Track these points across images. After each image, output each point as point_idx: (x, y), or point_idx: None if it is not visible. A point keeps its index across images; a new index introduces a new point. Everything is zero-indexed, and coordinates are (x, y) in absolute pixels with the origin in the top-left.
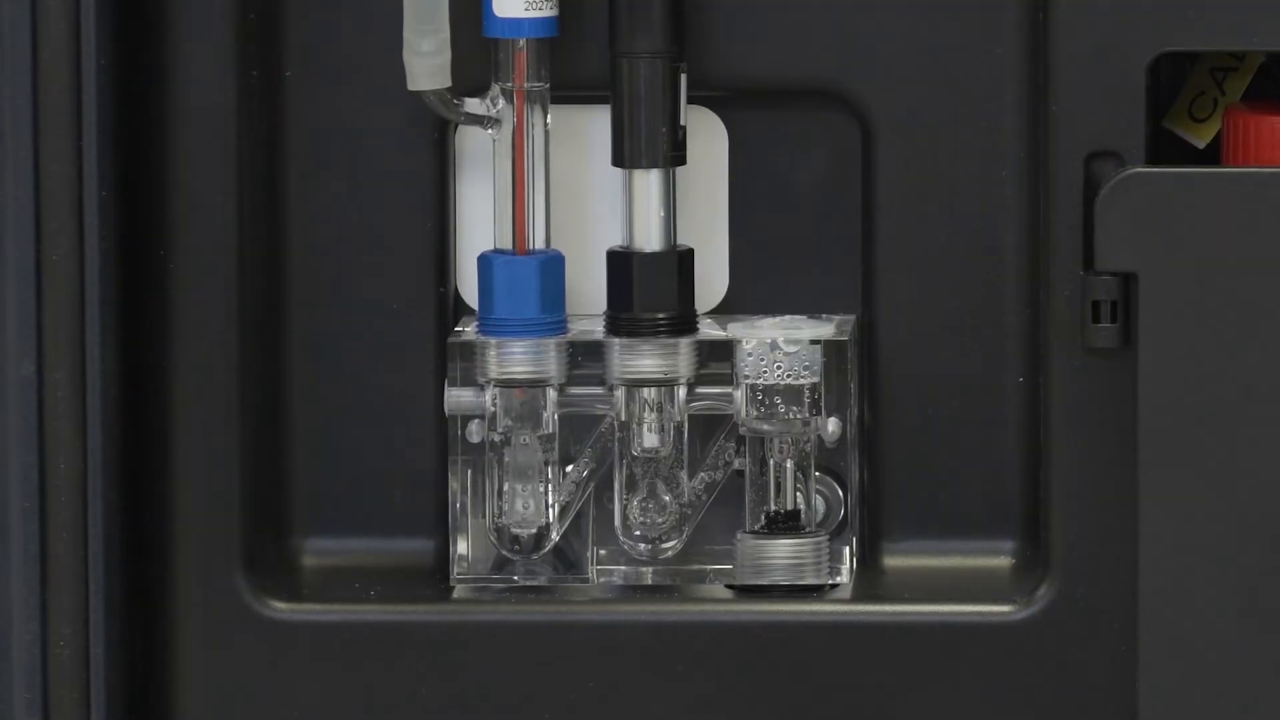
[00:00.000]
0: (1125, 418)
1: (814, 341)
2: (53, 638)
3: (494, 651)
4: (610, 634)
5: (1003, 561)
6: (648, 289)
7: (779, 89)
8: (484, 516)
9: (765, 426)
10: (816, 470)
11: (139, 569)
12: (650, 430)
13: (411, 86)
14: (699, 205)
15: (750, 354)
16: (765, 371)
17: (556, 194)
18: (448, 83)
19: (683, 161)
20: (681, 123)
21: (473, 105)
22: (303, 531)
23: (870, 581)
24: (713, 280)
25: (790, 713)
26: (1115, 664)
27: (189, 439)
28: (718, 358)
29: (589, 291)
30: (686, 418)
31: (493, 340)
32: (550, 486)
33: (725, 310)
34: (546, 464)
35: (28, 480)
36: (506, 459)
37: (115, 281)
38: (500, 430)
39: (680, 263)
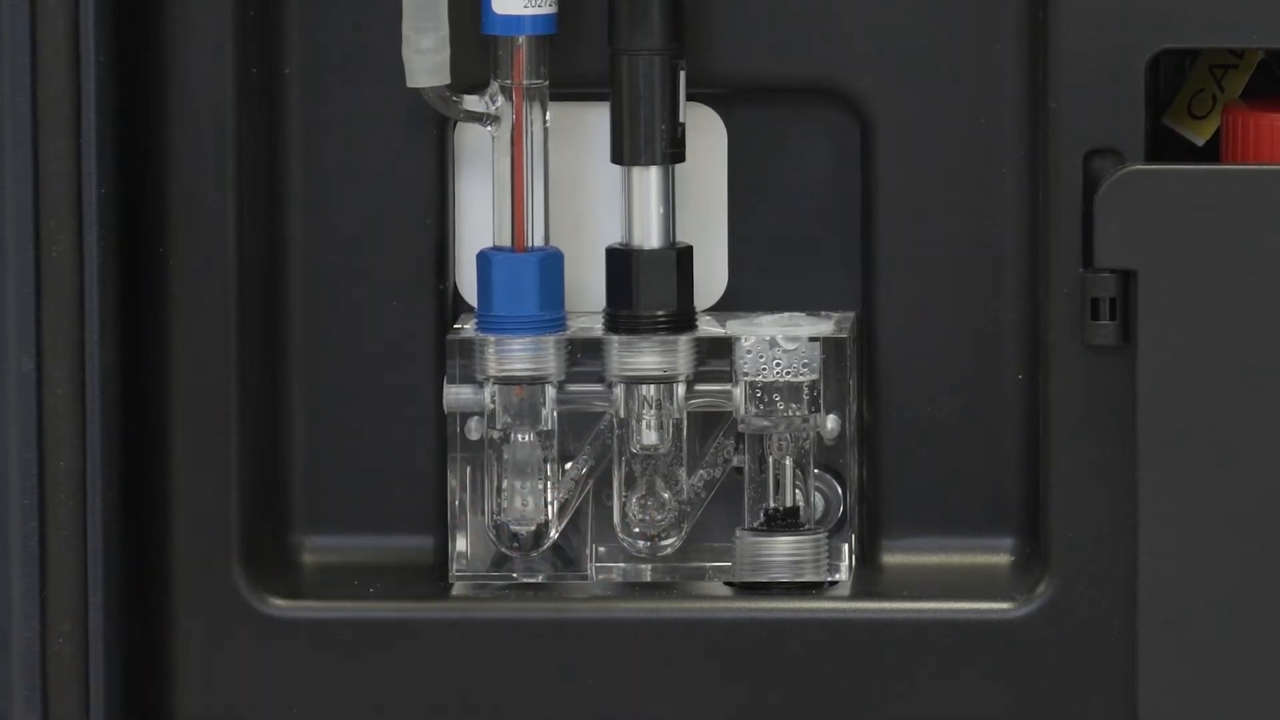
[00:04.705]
0: (1124, 415)
1: (813, 339)
2: (52, 634)
3: (493, 648)
4: (609, 631)
5: (1002, 559)
6: (647, 286)
7: (778, 86)
8: (483, 514)
9: (764, 423)
10: (815, 467)
11: (138, 565)
12: (649, 427)
13: (411, 83)
14: (698, 202)
15: (749, 351)
16: (764, 369)
17: (555, 191)
18: (447, 80)
19: (682, 159)
20: (680, 120)
21: (472, 102)
22: (302, 528)
23: (869, 579)
24: (712, 277)
25: (789, 710)
26: (1115, 661)
27: (188, 436)
28: (717, 355)
29: (588, 288)
30: (685, 415)
31: (492, 337)
32: (549, 484)
33: (724, 307)
34: (545, 461)
35: (27, 477)
36: (505, 456)
37: (115, 278)
38: (499, 427)
39: (679, 260)
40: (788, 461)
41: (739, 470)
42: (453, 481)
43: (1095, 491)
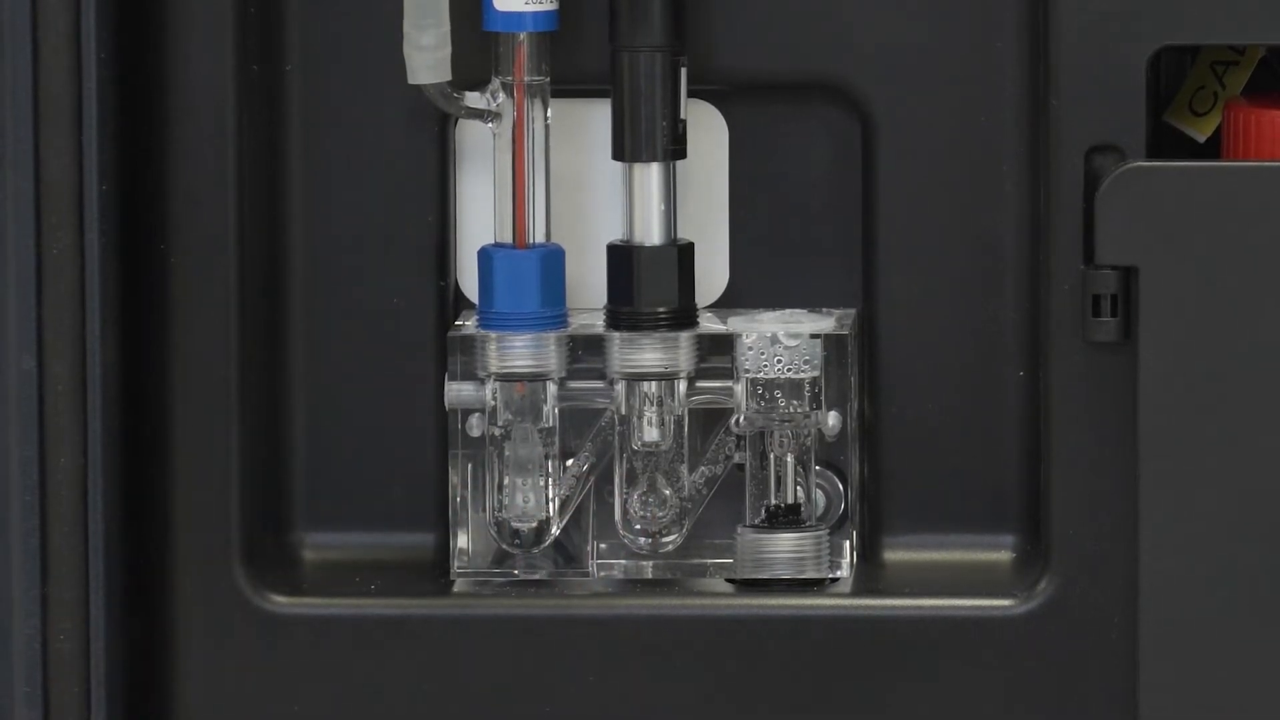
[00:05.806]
0: (1126, 412)
1: (814, 336)
2: (53, 632)
3: (494, 645)
4: (610, 628)
5: (1003, 556)
6: (648, 283)
7: (779, 83)
8: (484, 510)
9: (766, 420)
10: (817, 464)
11: (139, 563)
12: (650, 424)
13: (412, 80)
14: (699, 199)
15: (750, 348)
16: (765, 365)
17: (557, 188)
18: (448, 77)
19: (683, 155)
20: (681, 116)
21: (473, 99)
22: (303, 525)
23: (870, 575)
24: (713, 274)
25: (790, 707)
26: (1115, 658)
27: (189, 433)
28: (718, 352)
29: (589, 285)
30: (687, 412)
31: (493, 334)
32: (550, 480)
33: (725, 304)
34: (547, 458)
35: (28, 474)
36: (507, 453)
37: (115, 276)
38: (501, 424)
39: (680, 257)
40: (789, 458)
41: (740, 467)
42: (454, 478)
43: (1096, 489)
